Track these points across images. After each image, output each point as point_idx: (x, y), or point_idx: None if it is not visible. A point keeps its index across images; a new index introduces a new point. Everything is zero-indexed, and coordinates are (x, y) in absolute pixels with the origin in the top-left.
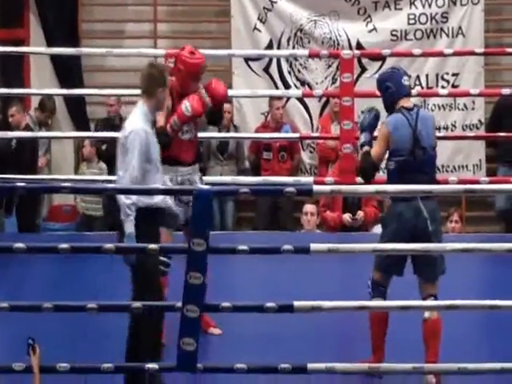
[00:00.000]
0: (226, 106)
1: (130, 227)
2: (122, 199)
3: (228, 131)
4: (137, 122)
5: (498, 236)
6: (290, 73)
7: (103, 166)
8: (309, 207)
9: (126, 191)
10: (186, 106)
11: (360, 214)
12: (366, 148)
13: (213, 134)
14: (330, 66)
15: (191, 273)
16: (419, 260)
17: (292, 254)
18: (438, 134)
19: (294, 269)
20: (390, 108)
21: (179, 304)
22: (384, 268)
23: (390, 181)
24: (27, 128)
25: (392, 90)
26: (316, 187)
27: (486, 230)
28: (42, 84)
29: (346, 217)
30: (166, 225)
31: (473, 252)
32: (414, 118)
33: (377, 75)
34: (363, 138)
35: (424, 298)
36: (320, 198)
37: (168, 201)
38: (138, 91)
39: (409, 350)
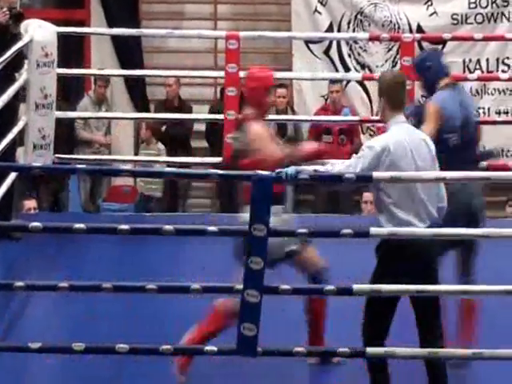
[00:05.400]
0: (282, 90)
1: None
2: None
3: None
4: None
5: None
6: (350, 56)
7: (161, 147)
8: (368, 195)
9: (183, 175)
10: None
11: None
12: None
13: (271, 116)
14: (390, 50)
15: (252, 257)
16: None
17: (352, 238)
18: (498, 118)
19: (353, 252)
20: (432, 88)
21: (239, 286)
22: None
23: (445, 160)
24: None
25: (433, 69)
26: (376, 173)
27: None
28: (103, 65)
29: None
30: None
31: None
32: (461, 94)
33: (411, 59)
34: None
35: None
36: None
37: None
38: (198, 73)
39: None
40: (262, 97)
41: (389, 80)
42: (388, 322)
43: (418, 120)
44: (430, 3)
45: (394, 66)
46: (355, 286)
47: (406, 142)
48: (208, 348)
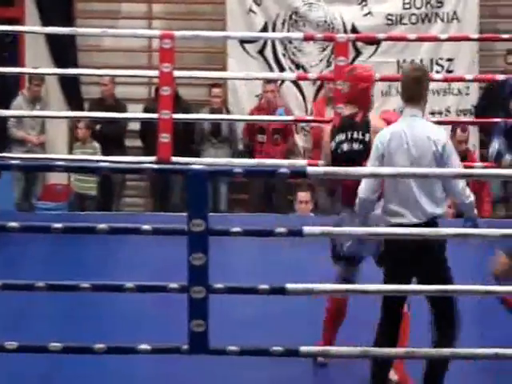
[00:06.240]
0: (217, 90)
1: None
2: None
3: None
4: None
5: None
6: (284, 55)
7: (96, 145)
8: (303, 195)
9: (118, 170)
10: None
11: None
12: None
13: (206, 116)
14: (324, 50)
15: (193, 254)
16: None
17: (285, 237)
18: (432, 118)
19: (287, 251)
20: None
21: (173, 285)
22: None
23: None
24: None
25: None
26: (310, 169)
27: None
28: (37, 63)
29: None
30: None
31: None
32: None
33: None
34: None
35: None
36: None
37: None
38: (132, 72)
39: None
40: (369, 96)
41: (405, 73)
42: (397, 321)
43: None
44: (364, 3)
45: (328, 66)
46: (289, 286)
47: (403, 133)
48: (158, 347)
